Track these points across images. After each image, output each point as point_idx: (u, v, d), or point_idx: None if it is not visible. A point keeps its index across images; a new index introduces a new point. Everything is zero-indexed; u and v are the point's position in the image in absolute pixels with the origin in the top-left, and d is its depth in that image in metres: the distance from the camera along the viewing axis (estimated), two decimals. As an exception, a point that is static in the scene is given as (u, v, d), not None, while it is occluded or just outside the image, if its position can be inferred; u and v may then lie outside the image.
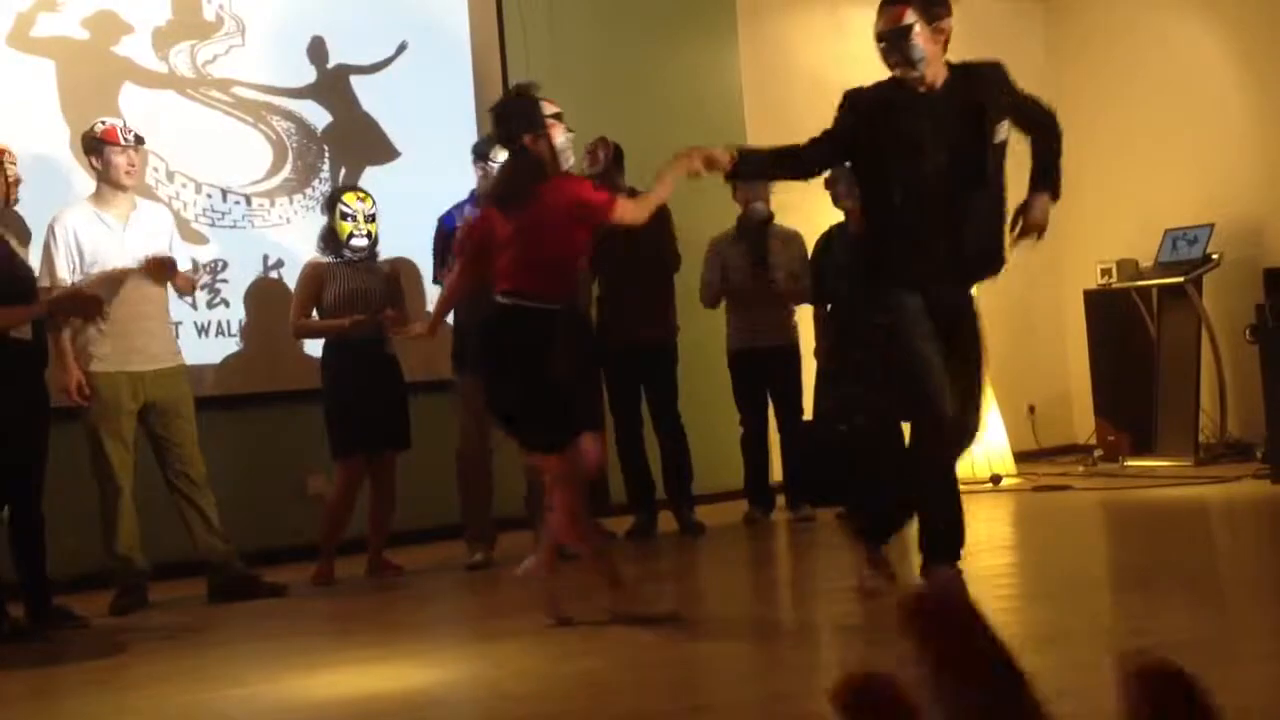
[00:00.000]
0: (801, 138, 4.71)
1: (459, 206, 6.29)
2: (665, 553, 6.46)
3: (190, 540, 5.63)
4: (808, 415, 7.13)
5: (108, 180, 5.56)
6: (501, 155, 6.20)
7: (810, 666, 3.91)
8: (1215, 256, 7.98)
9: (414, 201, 6.56)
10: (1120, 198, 8.87)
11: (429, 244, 6.34)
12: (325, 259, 6.10)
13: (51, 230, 5.49)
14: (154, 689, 4.07)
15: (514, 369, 4.46)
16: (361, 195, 6.19)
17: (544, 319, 4.45)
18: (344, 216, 6.06)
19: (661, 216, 6.79)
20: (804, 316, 7.16)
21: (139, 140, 5.62)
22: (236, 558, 5.69)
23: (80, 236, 5.47)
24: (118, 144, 5.52)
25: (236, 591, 5.59)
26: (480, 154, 6.28)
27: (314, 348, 6.32)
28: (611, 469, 6.89)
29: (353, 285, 6.03)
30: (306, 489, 6.70)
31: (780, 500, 7.17)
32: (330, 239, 6.10)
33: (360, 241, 6.07)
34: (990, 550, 5.64)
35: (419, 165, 7.22)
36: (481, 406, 6.12)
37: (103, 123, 5.59)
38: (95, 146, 5.55)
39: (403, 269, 6.40)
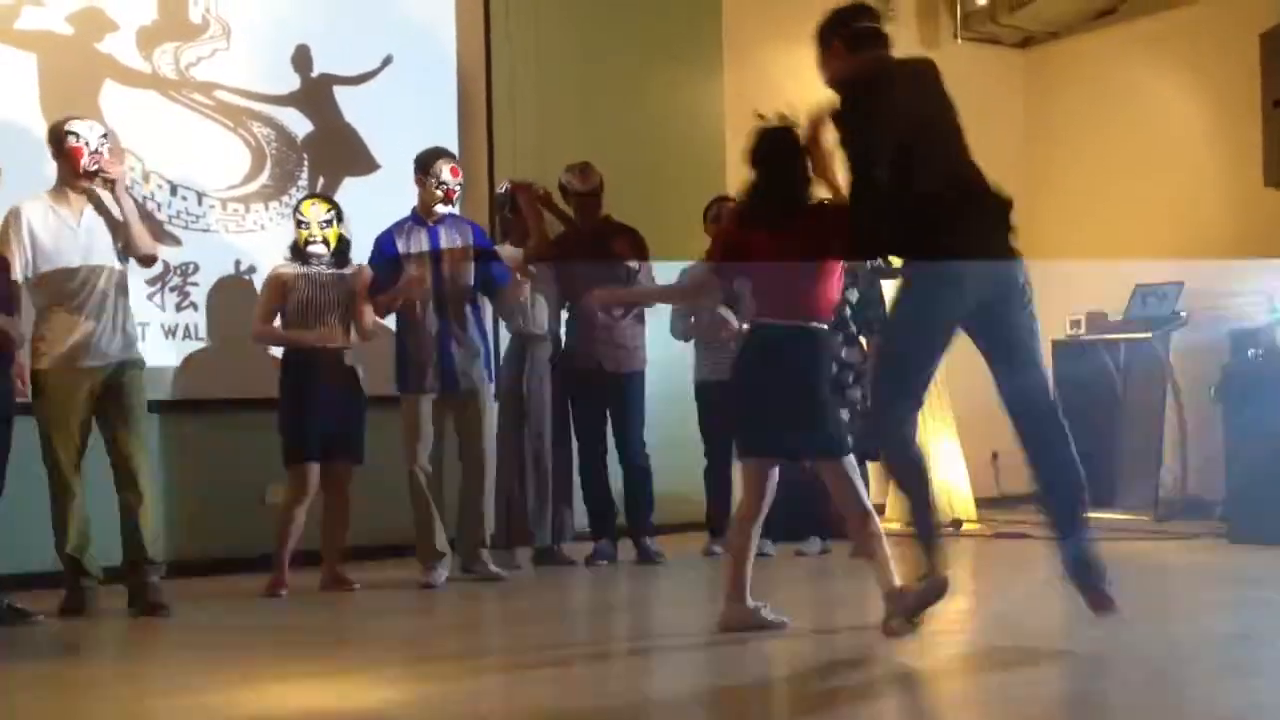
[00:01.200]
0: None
1: (398, 225, 6.26)
2: (623, 581, 6.44)
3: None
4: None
5: (64, 179, 5.50)
6: (443, 173, 6.21)
7: (763, 701, 3.90)
8: (1184, 314, 8.05)
9: (392, 215, 6.54)
10: (1092, 250, 8.93)
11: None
12: (289, 267, 6.10)
13: (8, 223, 5.41)
14: (97, 694, 4.03)
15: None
16: (319, 202, 6.22)
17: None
18: (299, 224, 6.11)
19: (640, 247, 6.83)
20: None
21: (92, 174, 5.45)
22: (146, 573, 5.47)
23: (36, 231, 5.39)
24: (76, 168, 5.44)
25: (136, 604, 5.42)
26: (421, 167, 6.26)
27: (278, 350, 6.28)
28: (574, 495, 6.89)
29: (313, 294, 6.03)
30: (265, 498, 6.65)
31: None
32: (295, 247, 6.12)
33: (317, 249, 6.09)
34: (946, 596, 5.64)
35: (398, 179, 7.17)
36: (428, 425, 6.13)
37: (74, 135, 5.43)
38: (57, 147, 5.47)
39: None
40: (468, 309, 6.24)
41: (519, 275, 6.50)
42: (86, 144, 5.45)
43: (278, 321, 6.13)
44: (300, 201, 6.26)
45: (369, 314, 6.18)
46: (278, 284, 6.08)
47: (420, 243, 6.19)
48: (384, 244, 6.21)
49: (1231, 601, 5.38)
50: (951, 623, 4.86)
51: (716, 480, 7.07)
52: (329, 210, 6.17)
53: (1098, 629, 4.49)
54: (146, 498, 5.48)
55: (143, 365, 5.62)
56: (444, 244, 6.21)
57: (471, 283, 6.24)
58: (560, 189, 6.86)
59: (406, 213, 6.34)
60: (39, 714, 3.94)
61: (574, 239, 6.80)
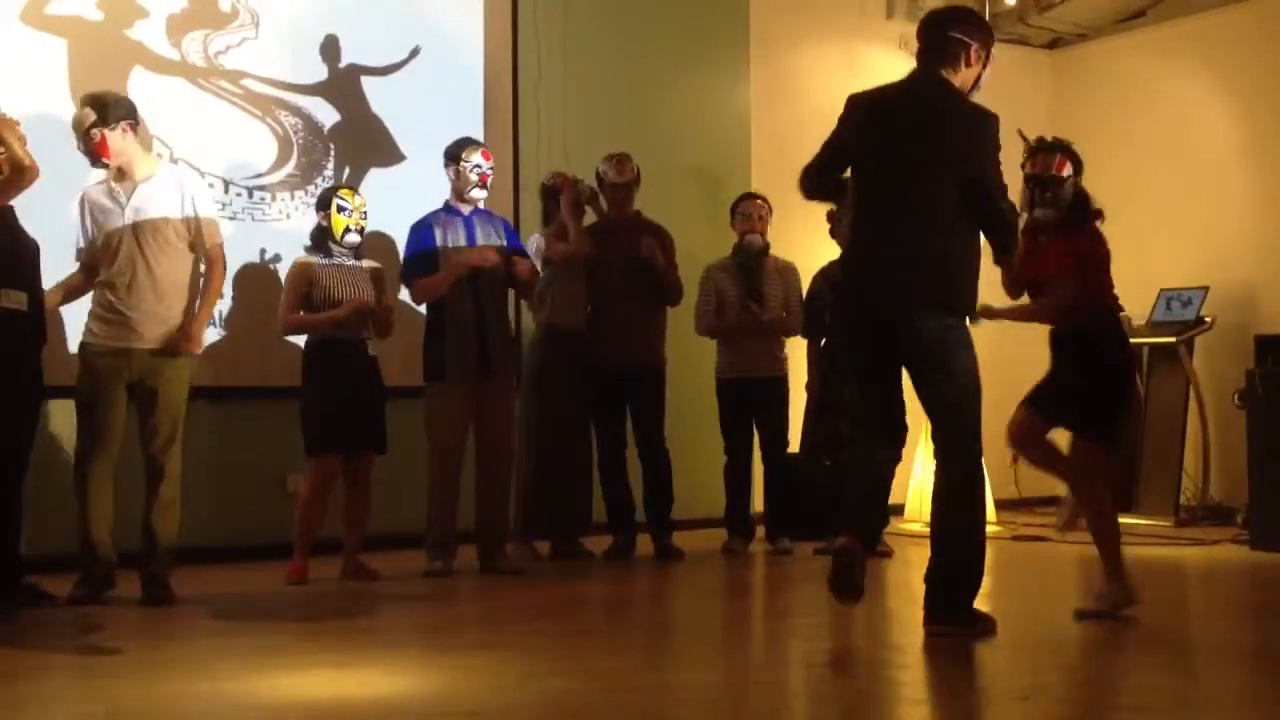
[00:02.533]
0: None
1: (434, 215, 6.31)
2: (641, 576, 6.45)
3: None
4: (793, 448, 7.13)
5: None
6: (474, 158, 6.25)
7: (780, 699, 3.90)
8: (1208, 319, 8.02)
9: (416, 205, 6.53)
10: (1116, 253, 8.78)
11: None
12: (313, 258, 6.11)
13: (79, 204, 5.55)
14: (116, 677, 4.04)
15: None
16: (357, 193, 6.23)
17: None
18: (340, 210, 6.09)
19: (666, 246, 6.86)
20: (795, 348, 7.16)
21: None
22: (160, 563, 5.44)
23: (93, 210, 5.48)
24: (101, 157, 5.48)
25: (144, 593, 5.38)
26: (452, 156, 6.30)
27: (301, 340, 6.30)
28: (594, 489, 6.89)
29: (337, 285, 6.04)
30: (285, 485, 6.68)
31: (761, 531, 7.17)
32: (320, 237, 6.14)
33: (354, 238, 6.11)
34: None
35: (423, 170, 7.19)
36: (464, 415, 6.16)
37: (102, 127, 5.40)
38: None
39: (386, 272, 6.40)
40: (499, 301, 6.27)
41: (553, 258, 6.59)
42: (76, 127, 5.48)
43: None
44: (340, 189, 6.26)
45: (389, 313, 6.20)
46: (304, 274, 6.09)
47: (457, 233, 6.24)
48: (423, 233, 6.26)
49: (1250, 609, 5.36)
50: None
51: (737, 477, 7.07)
52: (365, 204, 6.19)
53: (1116, 633, 4.48)
54: (169, 491, 5.46)
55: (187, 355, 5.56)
56: (479, 235, 6.25)
57: (504, 274, 6.27)
58: (596, 178, 6.89)
59: (430, 204, 6.37)
60: (59, 697, 3.96)
61: (603, 233, 6.83)
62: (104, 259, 5.43)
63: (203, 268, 5.59)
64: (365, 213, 6.17)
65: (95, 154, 5.47)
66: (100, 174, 5.58)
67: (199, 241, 5.53)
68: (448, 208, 6.32)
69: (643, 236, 6.78)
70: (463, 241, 6.23)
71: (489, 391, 6.18)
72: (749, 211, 7.06)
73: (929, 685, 3.95)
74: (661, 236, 6.87)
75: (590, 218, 6.90)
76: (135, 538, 5.46)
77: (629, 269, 6.74)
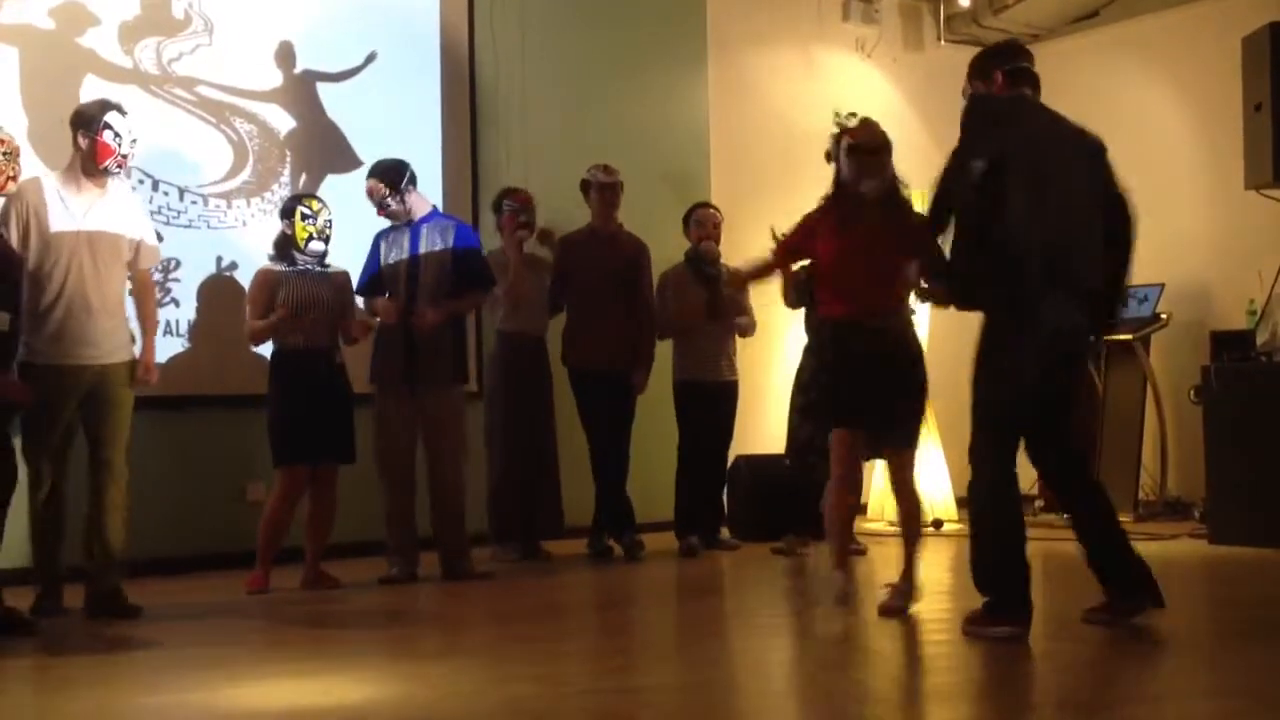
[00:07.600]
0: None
1: (389, 228, 6.31)
2: (601, 579, 6.44)
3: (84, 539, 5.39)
4: (744, 451, 7.19)
5: (82, 165, 5.35)
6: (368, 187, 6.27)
7: (741, 700, 3.91)
8: (1164, 316, 8.08)
9: (373, 212, 6.49)
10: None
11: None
12: (277, 266, 6.06)
13: (11, 203, 5.25)
14: (75, 692, 4.01)
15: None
16: (321, 201, 6.19)
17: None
18: (305, 218, 6.04)
19: (645, 264, 6.92)
20: (748, 354, 7.20)
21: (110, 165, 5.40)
22: (118, 574, 5.41)
23: (36, 214, 5.26)
24: (109, 158, 5.34)
25: (104, 607, 5.32)
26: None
27: (265, 350, 6.25)
28: (560, 493, 6.89)
29: (304, 292, 5.99)
30: (246, 495, 6.64)
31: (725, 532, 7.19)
32: (284, 245, 6.07)
33: (318, 246, 6.06)
34: (928, 596, 5.64)
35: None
36: (405, 421, 6.12)
37: (108, 126, 5.33)
38: (89, 131, 5.32)
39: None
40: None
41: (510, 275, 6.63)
42: (119, 145, 5.38)
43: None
44: (304, 198, 6.19)
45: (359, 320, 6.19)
46: (267, 283, 6.04)
47: (401, 247, 6.23)
48: (373, 249, 6.30)
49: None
50: (935, 620, 4.88)
51: (692, 478, 7.10)
52: (330, 214, 6.15)
53: (1073, 628, 4.51)
54: (122, 498, 5.40)
55: (133, 365, 5.49)
56: (424, 246, 6.22)
57: (447, 284, 6.21)
58: (583, 186, 6.97)
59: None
60: (15, 713, 3.91)
61: (586, 241, 6.84)
62: (53, 269, 5.25)
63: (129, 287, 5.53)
64: (330, 221, 6.11)
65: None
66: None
67: (134, 262, 5.50)
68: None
69: (622, 248, 6.91)
70: (405, 254, 6.20)
71: (430, 398, 6.15)
72: (703, 219, 7.15)
73: (887, 683, 3.96)
74: (643, 252, 6.96)
75: (544, 253, 7.04)
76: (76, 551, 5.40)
77: (609, 278, 6.80)
